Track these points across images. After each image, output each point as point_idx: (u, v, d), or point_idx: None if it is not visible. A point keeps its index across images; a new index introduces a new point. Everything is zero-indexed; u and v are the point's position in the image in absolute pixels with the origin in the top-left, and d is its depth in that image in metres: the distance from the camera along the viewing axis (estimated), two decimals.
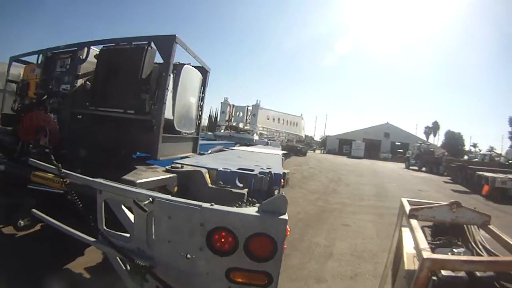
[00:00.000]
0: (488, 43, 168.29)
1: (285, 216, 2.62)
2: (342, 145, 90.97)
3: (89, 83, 5.70)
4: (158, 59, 5.27)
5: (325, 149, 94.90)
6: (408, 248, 3.68)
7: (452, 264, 2.58)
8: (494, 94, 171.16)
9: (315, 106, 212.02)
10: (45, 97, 5.42)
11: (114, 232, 2.96)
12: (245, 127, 35.63)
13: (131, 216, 2.99)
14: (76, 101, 5.41)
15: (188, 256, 2.63)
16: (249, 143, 19.14)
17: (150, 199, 2.70)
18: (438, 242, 3.78)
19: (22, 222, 4.15)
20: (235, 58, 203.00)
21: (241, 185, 4.37)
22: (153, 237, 2.78)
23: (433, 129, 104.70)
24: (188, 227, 2.64)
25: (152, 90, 5.02)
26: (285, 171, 5.70)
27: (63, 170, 3.34)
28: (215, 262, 2.62)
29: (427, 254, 2.58)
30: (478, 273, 2.70)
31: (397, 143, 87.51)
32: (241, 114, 36.56)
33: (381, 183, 24.04)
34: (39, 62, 6.30)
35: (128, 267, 2.94)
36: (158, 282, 2.62)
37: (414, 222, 3.69)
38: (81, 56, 5.53)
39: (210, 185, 4.25)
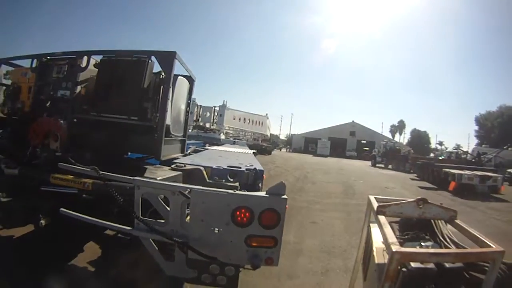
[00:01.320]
0: (454, 43, 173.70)
1: (285, 196, 3.66)
2: (308, 144, 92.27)
3: (89, 90, 6.16)
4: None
5: (291, 147, 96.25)
6: (377, 243, 3.90)
7: (421, 257, 2.80)
8: (460, 94, 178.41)
9: (281, 105, 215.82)
10: (49, 103, 5.87)
11: (150, 219, 3.68)
12: (212, 127, 36.65)
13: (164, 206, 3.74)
14: (75, 106, 5.88)
15: (217, 230, 3.46)
16: (216, 142, 19.76)
17: (188, 189, 3.56)
18: (406, 236, 4.02)
19: (43, 222, 4.63)
20: (203, 59, 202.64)
21: (231, 179, 5.16)
22: (187, 220, 3.59)
23: (399, 127, 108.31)
24: (218, 208, 3.46)
25: (152, 99, 5.66)
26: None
27: (100, 171, 3.95)
28: (237, 232, 3.45)
29: (396, 247, 2.78)
30: (447, 265, 2.94)
31: (363, 142, 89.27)
32: (208, 114, 37.48)
33: (348, 181, 24.57)
34: (33, 66, 6.51)
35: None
36: (196, 253, 3.43)
37: (382, 218, 3.90)
38: (80, 64, 5.98)
39: (208, 180, 5.00)
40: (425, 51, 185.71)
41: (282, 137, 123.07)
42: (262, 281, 5.74)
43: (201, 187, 3.68)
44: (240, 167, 5.57)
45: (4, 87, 7.58)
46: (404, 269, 2.90)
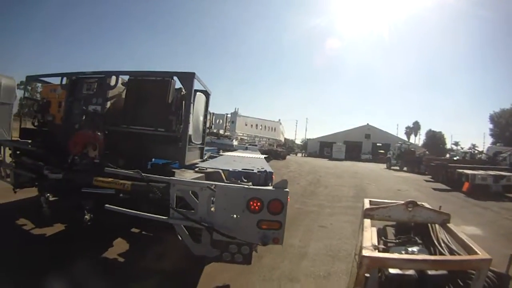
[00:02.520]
0: (468, 42, 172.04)
1: (287, 190, 4.83)
2: (323, 148, 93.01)
3: (117, 105, 7.21)
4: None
5: (306, 152, 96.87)
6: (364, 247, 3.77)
7: (392, 263, 2.82)
8: (475, 92, 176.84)
9: (296, 110, 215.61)
10: (84, 117, 6.80)
11: (182, 210, 4.82)
12: (226, 133, 37.70)
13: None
14: (106, 120, 6.88)
15: (235, 216, 4.63)
16: (229, 148, 20.64)
17: (212, 184, 4.76)
18: (397, 240, 4.13)
19: (87, 217, 5.64)
20: (215, 67, 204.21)
21: (245, 180, 6.08)
22: (212, 209, 4.71)
23: (414, 129, 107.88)
24: (236, 199, 4.67)
25: (176, 112, 6.68)
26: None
27: (143, 174, 5.05)
28: (251, 218, 4.70)
29: (367, 252, 2.86)
30: (430, 272, 2.91)
31: (378, 144, 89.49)
32: (220, 121, 38.47)
33: (361, 184, 24.76)
34: (63, 83, 7.65)
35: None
36: (220, 234, 4.61)
37: (367, 221, 4.14)
38: (110, 83, 7.03)
39: (225, 181, 5.97)
40: (438, 50, 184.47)
41: (298, 141, 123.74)
42: (261, 284, 6.01)
43: (223, 183, 5.02)
44: (253, 170, 6.62)
45: (31, 102, 9.08)
46: (385, 274, 2.98)
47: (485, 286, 2.82)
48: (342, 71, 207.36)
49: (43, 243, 7.01)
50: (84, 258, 6.17)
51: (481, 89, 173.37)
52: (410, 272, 2.86)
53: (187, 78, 6.66)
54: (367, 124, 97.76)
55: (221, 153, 12.04)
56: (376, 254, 2.93)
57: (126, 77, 7.48)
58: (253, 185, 5.65)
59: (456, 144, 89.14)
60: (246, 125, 46.74)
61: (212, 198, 4.79)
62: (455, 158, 43.66)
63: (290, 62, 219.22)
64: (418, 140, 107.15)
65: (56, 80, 8.35)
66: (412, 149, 53.61)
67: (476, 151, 45.86)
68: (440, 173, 29.43)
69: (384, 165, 52.91)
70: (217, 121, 38.56)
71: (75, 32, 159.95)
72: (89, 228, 6.58)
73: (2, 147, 8.09)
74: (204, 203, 4.76)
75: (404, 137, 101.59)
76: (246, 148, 28.15)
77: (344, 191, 19.99)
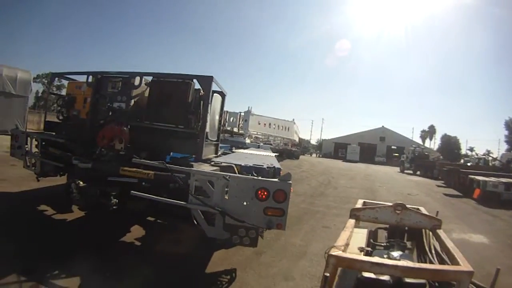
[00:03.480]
0: (485, 46, 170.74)
1: (290, 182, 5.57)
2: (337, 149, 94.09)
3: (140, 103, 8.03)
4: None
5: (321, 152, 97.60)
6: (350, 248, 3.70)
7: (359, 265, 2.73)
8: (492, 98, 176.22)
9: (312, 110, 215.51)
10: (110, 113, 7.59)
11: (199, 196, 5.64)
12: (240, 131, 38.59)
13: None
14: (130, 116, 7.68)
15: (245, 203, 5.43)
16: (242, 146, 21.25)
17: (227, 175, 5.60)
18: (385, 243, 4.11)
19: (113, 202, 6.55)
20: (231, 65, 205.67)
21: (255, 174, 6.78)
22: (225, 197, 5.50)
23: (429, 133, 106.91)
24: (246, 188, 5.47)
25: (195, 111, 7.44)
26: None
27: (166, 164, 5.93)
28: (258, 205, 5.48)
29: (334, 251, 2.84)
30: (406, 280, 2.83)
31: (392, 147, 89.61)
32: (234, 119, 39.35)
33: (371, 187, 25.26)
34: (89, 81, 8.38)
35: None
36: (232, 218, 5.46)
37: (350, 221, 4.19)
38: (134, 83, 7.84)
39: (238, 174, 6.70)
40: (455, 53, 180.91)
41: (313, 142, 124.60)
42: (255, 281, 6.15)
43: (236, 174, 5.93)
44: (262, 165, 7.36)
45: (56, 96, 9.77)
46: (358, 277, 2.99)
47: None
48: (359, 72, 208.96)
49: (64, 227, 7.81)
50: (104, 242, 7.07)
51: (498, 94, 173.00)
52: (385, 277, 2.84)
53: (206, 81, 7.43)
54: (382, 126, 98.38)
55: (233, 150, 12.66)
56: (344, 254, 2.87)
57: (149, 78, 8.20)
58: None
59: (471, 149, 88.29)
60: (259, 124, 47.90)
61: (226, 187, 5.59)
62: (468, 164, 43.52)
63: (307, 63, 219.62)
64: (433, 144, 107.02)
65: (79, 78, 9.27)
66: (426, 153, 53.63)
67: (490, 158, 45.72)
68: (452, 179, 29.28)
69: (398, 169, 53.28)
70: (231, 119, 39.47)
71: (93, 29, 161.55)
72: (107, 215, 7.81)
73: (29, 138, 8.76)
74: (219, 191, 5.58)
75: (420, 141, 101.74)
76: (258, 147, 28.87)
77: (353, 193, 19.93)
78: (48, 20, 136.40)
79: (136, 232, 7.94)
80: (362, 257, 2.92)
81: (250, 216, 5.48)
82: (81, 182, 6.36)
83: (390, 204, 4.32)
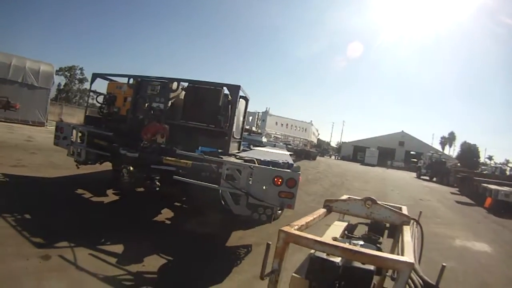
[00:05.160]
0: (507, 53, 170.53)
1: (299, 172, 7.40)
2: (356, 152, 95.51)
3: (176, 105, 9.76)
4: None
5: (339, 155, 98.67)
6: (325, 237, 3.79)
7: (304, 241, 2.79)
8: None
9: (333, 112, 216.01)
10: (153, 112, 9.26)
11: (229, 181, 7.34)
12: (258, 131, 40.22)
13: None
14: (168, 115, 9.37)
15: (265, 187, 7.10)
16: (259, 144, 22.16)
17: (252, 165, 7.26)
18: (358, 236, 4.28)
19: (157, 185, 8.33)
20: (251, 66, 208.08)
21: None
22: (250, 182, 7.18)
23: (449, 139, 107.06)
24: (266, 176, 7.23)
25: (224, 114, 9.13)
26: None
27: (205, 155, 7.69)
28: (274, 189, 7.17)
29: (285, 228, 2.96)
30: (355, 264, 2.95)
31: (411, 152, 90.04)
32: (252, 119, 40.98)
33: (384, 191, 25.86)
34: (130, 83, 10.24)
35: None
36: (253, 198, 7.11)
37: (321, 210, 4.39)
38: (172, 87, 9.53)
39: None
40: (479, 60, 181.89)
41: (333, 144, 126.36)
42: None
43: (259, 165, 7.59)
44: (278, 161, 8.82)
45: (97, 95, 11.18)
46: (310, 255, 3.14)
47: None
48: (381, 76, 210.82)
49: (103, 208, 9.50)
50: (139, 220, 8.93)
51: None
52: (335, 259, 2.94)
53: (234, 88, 9.22)
54: (402, 131, 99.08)
55: (252, 148, 14.03)
56: (291, 230, 2.99)
57: (184, 83, 9.97)
58: None
59: (490, 158, 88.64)
60: (276, 124, 49.82)
61: (250, 175, 7.36)
62: (484, 172, 43.57)
63: (329, 65, 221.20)
64: (453, 151, 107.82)
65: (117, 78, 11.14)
66: (443, 159, 53.41)
67: (507, 167, 46.37)
68: (466, 186, 30.08)
69: (415, 174, 53.95)
70: (249, 118, 40.87)
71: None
72: (139, 199, 10.19)
73: (74, 130, 10.29)
74: (245, 177, 7.33)
75: (439, 147, 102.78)
76: (274, 145, 30.21)
77: (364, 195, 19.00)
78: (76, 17, 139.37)
79: (166, 214, 9.73)
80: (306, 234, 2.93)
81: (268, 197, 7.20)
82: (131, 168, 8.04)
83: (361, 198, 4.53)
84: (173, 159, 7.94)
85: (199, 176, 7.76)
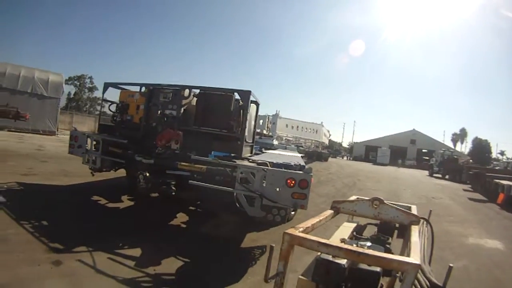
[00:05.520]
0: None
1: (311, 174, 7.43)
2: (368, 152, 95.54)
3: (188, 111, 10.01)
4: None
5: (351, 155, 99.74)
6: (333, 238, 3.98)
7: (308, 243, 2.81)
8: None
9: (345, 113, 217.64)
10: (166, 119, 9.55)
11: (244, 184, 7.56)
12: (269, 133, 40.60)
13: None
14: (181, 122, 9.61)
15: (277, 189, 7.30)
16: (270, 147, 22.05)
17: (265, 168, 7.49)
18: (366, 237, 4.33)
19: (172, 190, 8.59)
20: (260, 69, 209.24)
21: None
22: (264, 184, 7.39)
23: (461, 136, 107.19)
24: (279, 178, 7.42)
25: (236, 119, 9.40)
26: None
27: (219, 160, 7.94)
28: (287, 190, 7.33)
29: (290, 230, 2.99)
30: (361, 266, 2.94)
31: (423, 150, 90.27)
32: (262, 122, 41.34)
33: (396, 190, 25.72)
34: (142, 91, 10.50)
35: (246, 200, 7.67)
36: (267, 200, 7.33)
37: (328, 211, 4.43)
38: (184, 94, 9.79)
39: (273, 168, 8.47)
40: (489, 55, 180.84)
41: (345, 144, 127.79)
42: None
43: (272, 168, 7.77)
44: (290, 163, 9.11)
45: (109, 103, 11.63)
46: (316, 258, 3.15)
47: None
48: (391, 75, 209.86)
49: (119, 213, 9.79)
50: (155, 224, 9.19)
51: None
52: (341, 261, 2.91)
53: (245, 94, 9.52)
54: (413, 129, 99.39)
55: (263, 151, 14.31)
56: (296, 232, 3.01)
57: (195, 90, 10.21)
58: None
59: (502, 153, 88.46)
60: (286, 126, 50.47)
61: (263, 178, 7.52)
62: (496, 168, 43.70)
63: (336, 65, 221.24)
64: (465, 147, 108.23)
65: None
66: (455, 156, 53.37)
67: None
68: (478, 183, 30.28)
69: (427, 172, 53.75)
70: (260, 121, 41.10)
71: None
72: (154, 204, 10.56)
73: (89, 138, 10.57)
74: (259, 180, 7.52)
75: (451, 144, 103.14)
76: (285, 148, 30.36)
77: (376, 195, 18.21)
78: (85, 26, 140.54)
79: (181, 218, 10.01)
80: (311, 236, 2.95)
81: (281, 199, 7.40)
82: (147, 174, 8.35)
83: (368, 198, 4.54)
84: (187, 164, 8.18)
85: (214, 180, 8.00)
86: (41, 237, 6.90)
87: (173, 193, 8.63)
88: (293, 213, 9.78)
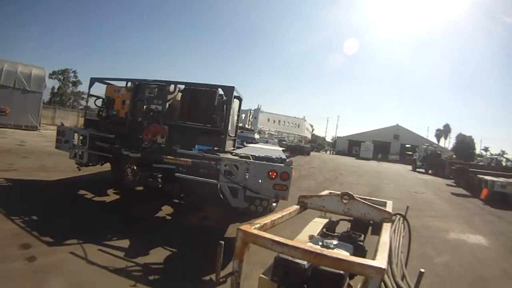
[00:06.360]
0: (501, 45, 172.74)
1: (292, 166, 8.04)
2: (351, 146, 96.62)
3: (173, 106, 10.30)
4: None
5: (335, 150, 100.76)
6: (302, 235, 3.92)
7: (262, 241, 2.73)
8: (509, 97, 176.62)
9: (328, 108, 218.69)
10: (151, 113, 9.78)
11: (228, 176, 7.91)
12: (251, 128, 41.03)
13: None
14: (166, 116, 9.87)
15: (260, 181, 7.74)
16: (251, 141, 22.20)
17: (248, 161, 7.88)
18: (337, 234, 4.00)
19: (159, 183, 8.85)
20: (242, 63, 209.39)
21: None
22: (247, 176, 7.78)
23: (444, 132, 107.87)
24: (262, 170, 7.91)
25: (219, 113, 9.71)
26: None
27: (204, 153, 8.32)
28: (269, 182, 7.84)
29: (244, 227, 2.90)
30: (322, 267, 2.69)
31: (407, 145, 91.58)
32: (244, 116, 41.70)
33: (379, 184, 26.19)
34: (128, 86, 10.74)
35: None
36: (250, 191, 7.76)
37: (293, 207, 4.27)
38: (169, 89, 10.09)
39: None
40: (473, 53, 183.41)
41: (328, 139, 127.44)
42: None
43: (255, 160, 8.14)
44: (272, 156, 9.44)
45: (95, 98, 11.84)
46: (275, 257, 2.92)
47: None
48: (375, 70, 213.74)
49: (106, 206, 10.14)
50: (142, 216, 9.55)
51: None
52: (301, 261, 2.74)
53: (229, 89, 9.89)
54: (397, 124, 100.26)
55: (245, 145, 14.62)
56: (249, 229, 2.89)
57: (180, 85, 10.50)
58: None
59: (486, 149, 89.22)
60: (268, 120, 50.62)
61: (246, 170, 7.94)
62: (480, 164, 44.67)
63: (322, 60, 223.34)
64: (448, 143, 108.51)
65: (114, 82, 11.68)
66: (439, 152, 54.23)
67: (503, 158, 46.79)
68: (461, 178, 30.85)
69: (410, 167, 54.55)
70: (242, 116, 41.53)
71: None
72: (139, 197, 10.94)
73: (76, 133, 10.78)
74: (242, 172, 7.93)
75: (434, 140, 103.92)
76: (267, 142, 30.76)
77: (359, 190, 20.02)
78: (68, 19, 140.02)
79: (166, 210, 10.40)
80: (265, 234, 2.83)
81: (263, 190, 7.82)
82: (135, 167, 8.60)
83: (338, 193, 4.37)
84: (173, 157, 8.47)
85: (198, 173, 8.31)
86: (35, 231, 7.14)
87: (160, 186, 8.90)
88: (274, 204, 9.86)
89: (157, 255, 7.00)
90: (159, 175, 8.87)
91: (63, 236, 7.01)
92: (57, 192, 10.91)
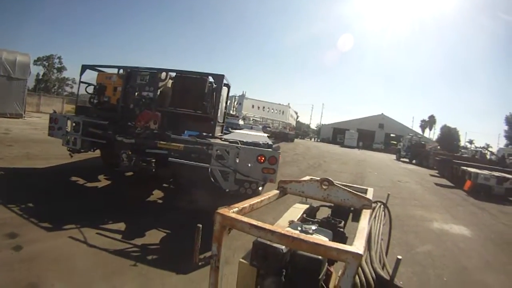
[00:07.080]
0: (489, 40, 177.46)
1: (280, 151, 8.78)
2: (336, 134, 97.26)
3: (165, 93, 10.66)
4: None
5: (319, 137, 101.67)
6: (282, 220, 3.85)
7: (240, 225, 2.67)
8: (495, 92, 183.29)
9: (314, 95, 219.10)
10: (143, 100, 10.14)
11: (219, 160, 8.41)
12: (236, 114, 41.61)
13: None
14: (157, 103, 10.25)
15: (249, 165, 8.41)
16: (236, 127, 22.36)
17: (239, 146, 8.38)
18: (317, 220, 3.98)
19: (152, 167, 9.13)
20: (228, 50, 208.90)
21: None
22: (237, 161, 8.31)
23: (429, 123, 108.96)
24: (251, 155, 8.53)
25: (209, 100, 10.18)
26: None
27: (197, 139, 8.75)
28: (258, 166, 8.47)
29: (222, 210, 2.82)
30: (300, 252, 2.70)
31: (391, 135, 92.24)
32: (229, 102, 42.31)
33: (362, 172, 26.61)
34: (119, 73, 11.04)
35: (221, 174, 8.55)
36: (240, 174, 8.31)
37: (273, 192, 4.15)
38: (161, 77, 10.44)
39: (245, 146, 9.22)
40: (460, 46, 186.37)
41: (313, 126, 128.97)
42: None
43: (245, 146, 8.57)
44: (259, 142, 9.83)
45: (86, 85, 11.93)
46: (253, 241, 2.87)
47: (357, 286, 2.63)
48: (362, 59, 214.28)
49: (98, 192, 10.52)
50: (134, 200, 9.95)
51: (502, 88, 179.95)
52: (279, 246, 2.69)
53: (219, 78, 10.39)
54: (382, 113, 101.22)
55: (231, 131, 15.15)
56: (227, 213, 2.83)
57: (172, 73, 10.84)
58: None
59: (471, 142, 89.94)
60: (252, 107, 51.35)
61: (237, 154, 8.49)
62: (464, 156, 45.13)
63: (309, 49, 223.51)
64: (433, 134, 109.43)
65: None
66: (423, 142, 54.60)
67: (486, 151, 47.18)
68: (445, 169, 31.22)
69: (394, 156, 55.65)
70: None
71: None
72: (131, 182, 11.28)
73: (69, 120, 10.94)
74: (233, 156, 8.47)
75: (419, 130, 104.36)
76: (251, 128, 31.21)
77: (341, 177, 20.04)
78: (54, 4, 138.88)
79: (157, 194, 10.83)
80: (242, 217, 2.77)
81: (253, 173, 8.37)
82: (130, 152, 8.91)
83: (318, 178, 4.25)
84: (166, 143, 8.84)
85: (190, 157, 8.81)
86: (33, 217, 7.39)
87: (153, 170, 9.19)
88: (260, 188, 9.82)
89: (153, 236, 7.42)
90: (153, 160, 9.16)
91: (61, 222, 7.30)
92: (52, 179, 11.19)
